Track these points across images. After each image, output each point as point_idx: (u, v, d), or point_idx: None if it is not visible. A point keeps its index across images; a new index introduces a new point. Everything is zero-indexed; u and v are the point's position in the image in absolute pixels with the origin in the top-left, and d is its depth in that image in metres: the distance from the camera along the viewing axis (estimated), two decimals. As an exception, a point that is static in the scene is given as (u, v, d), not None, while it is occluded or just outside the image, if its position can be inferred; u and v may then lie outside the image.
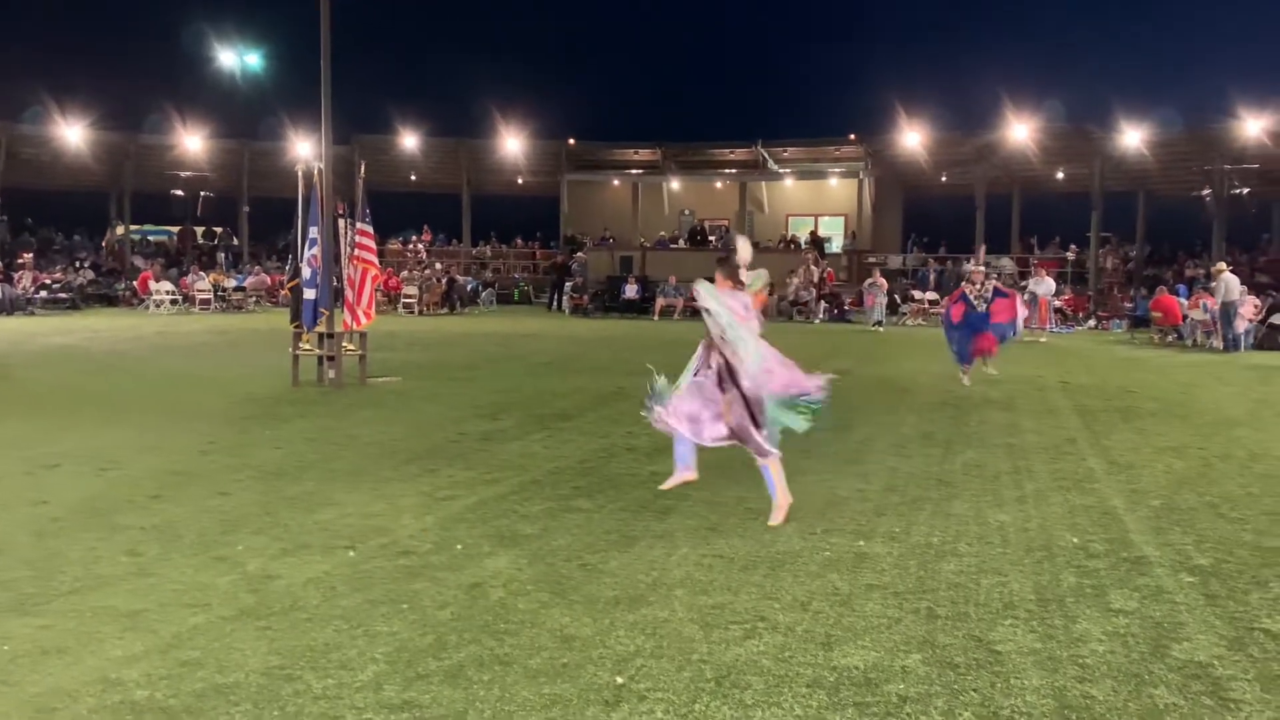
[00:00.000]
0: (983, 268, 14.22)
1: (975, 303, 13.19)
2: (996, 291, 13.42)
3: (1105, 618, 4.57)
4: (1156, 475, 7.69)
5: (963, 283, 14.07)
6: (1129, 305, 25.86)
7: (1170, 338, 21.41)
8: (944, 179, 34.35)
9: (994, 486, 7.24)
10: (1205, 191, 27.32)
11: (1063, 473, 7.73)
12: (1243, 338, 19.88)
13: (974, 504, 6.69)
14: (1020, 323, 13.63)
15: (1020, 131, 29.86)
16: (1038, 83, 33.84)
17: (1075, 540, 5.82)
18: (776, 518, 6.17)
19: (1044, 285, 22.60)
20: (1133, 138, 27.98)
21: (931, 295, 28.72)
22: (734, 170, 36.43)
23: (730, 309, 6.09)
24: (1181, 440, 9.21)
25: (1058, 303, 24.85)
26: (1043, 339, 21.44)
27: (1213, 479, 7.58)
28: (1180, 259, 30.48)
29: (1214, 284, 20.19)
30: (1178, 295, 22.41)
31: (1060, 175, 32.36)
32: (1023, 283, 26.68)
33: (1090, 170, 30.41)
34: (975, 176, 32.26)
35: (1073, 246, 31.86)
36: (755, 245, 30.68)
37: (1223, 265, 21.25)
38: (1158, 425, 10.11)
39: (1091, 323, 26.32)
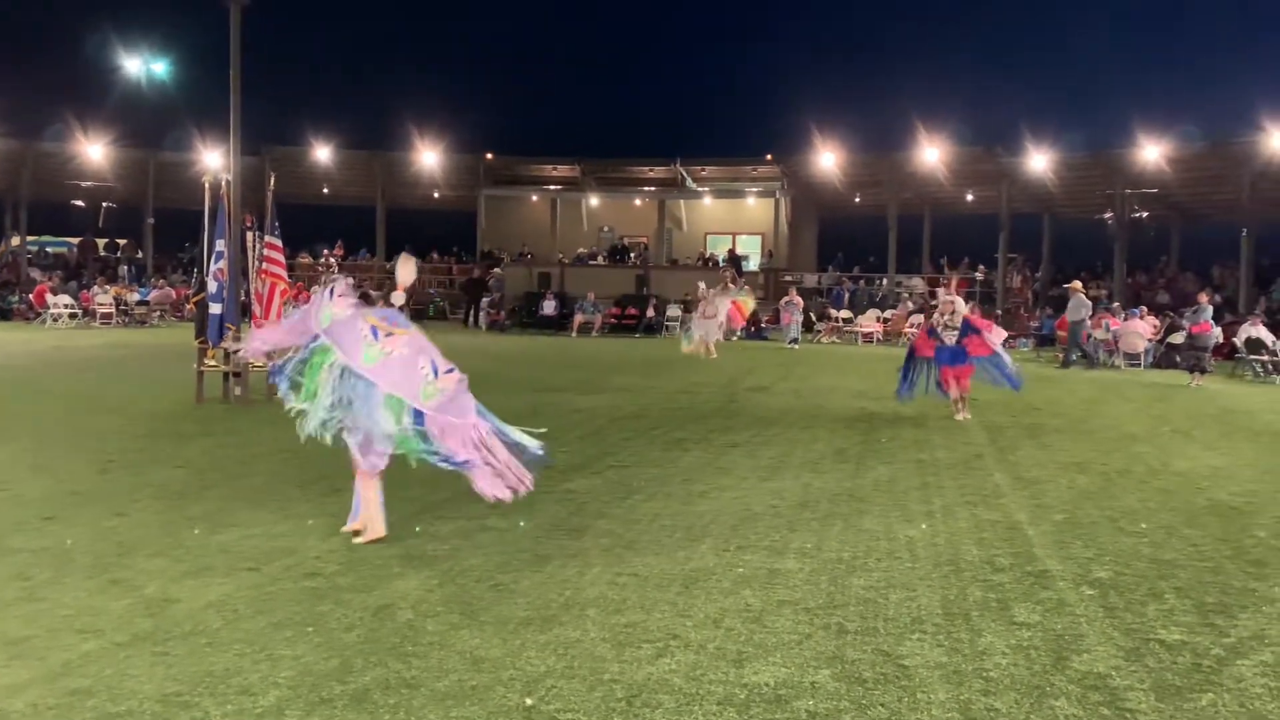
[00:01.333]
0: (954, 297, 12.60)
1: (943, 335, 11.83)
2: (967, 325, 11.87)
3: (1009, 631, 4.66)
4: (1060, 490, 7.90)
5: (934, 313, 12.83)
6: (1035, 324, 26.60)
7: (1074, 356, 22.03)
8: (858, 199, 34.99)
9: (903, 502, 7.35)
10: (1107, 214, 28.30)
11: (970, 488, 7.89)
12: (1142, 357, 20.66)
13: (884, 519, 6.78)
14: (1007, 360, 11.86)
15: (931, 154, 30.59)
16: (948, 107, 34.81)
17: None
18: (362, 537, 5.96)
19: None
20: (1038, 161, 28.87)
21: (846, 314, 29.20)
22: (653, 188, 36.63)
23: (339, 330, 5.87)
24: (1084, 456, 9.48)
25: (967, 321, 25.41)
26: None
27: (1113, 494, 7.80)
28: (1083, 279, 31.47)
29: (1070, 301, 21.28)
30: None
31: (969, 197, 33.22)
32: (933, 302, 27.29)
33: (998, 192, 31.27)
34: (888, 197, 32.92)
35: (981, 267, 32.71)
36: (673, 263, 30.28)
37: (1077, 284, 22.50)
38: (1062, 441, 10.39)
39: (1075, 350, 26.93)
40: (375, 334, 5.90)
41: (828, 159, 32.47)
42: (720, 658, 4.28)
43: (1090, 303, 21.44)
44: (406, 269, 6.49)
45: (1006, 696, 3.94)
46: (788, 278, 31.70)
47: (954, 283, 14.83)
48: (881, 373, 17.71)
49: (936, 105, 33.93)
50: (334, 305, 5.97)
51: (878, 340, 27.16)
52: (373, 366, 5.78)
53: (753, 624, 4.69)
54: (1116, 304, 24.01)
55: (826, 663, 4.24)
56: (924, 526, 6.60)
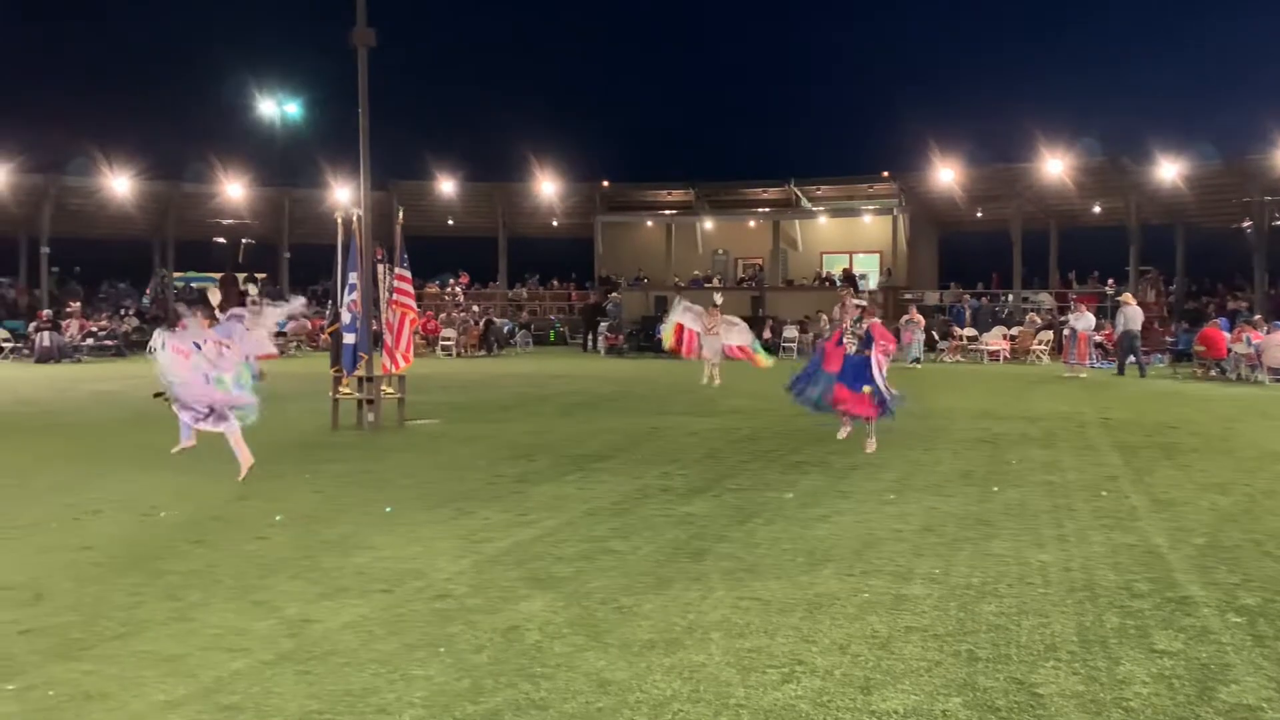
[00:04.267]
0: (862, 300, 11.22)
1: (848, 341, 10.56)
2: (870, 336, 10.55)
3: (1150, 659, 4.50)
4: (1200, 512, 7.57)
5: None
6: (1170, 339, 25.54)
7: (1213, 372, 21.09)
8: (979, 214, 34.23)
9: (1034, 525, 7.15)
10: (1246, 223, 27.02)
11: (1104, 511, 7.62)
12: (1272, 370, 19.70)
13: (1014, 544, 6.61)
14: (876, 372, 10.30)
15: (1054, 166, 29.73)
16: (1071, 117, 33.91)
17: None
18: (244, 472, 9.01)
19: (1083, 320, 22.37)
20: (1169, 170, 27.77)
21: (970, 331, 28.55)
22: (767, 209, 36.53)
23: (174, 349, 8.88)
24: (1225, 476, 9.06)
25: (1098, 338, 24.59)
26: (1083, 375, 21.20)
27: (1258, 515, 7.44)
28: (1221, 291, 30.11)
29: (1117, 314, 22.37)
30: (1220, 328, 22.09)
31: (1097, 209, 32.15)
32: (1062, 318, 26.46)
33: (1126, 204, 30.18)
34: (1010, 212, 32.10)
35: (1111, 281, 31.59)
36: (789, 284, 29.38)
37: (1128, 296, 23.17)
38: (1201, 461, 9.95)
39: (1131, 358, 25.97)
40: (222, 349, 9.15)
41: (946, 174, 31.86)
42: (848, 684, 4.24)
43: (1140, 314, 22.30)
44: (214, 295, 10.94)
45: (1148, 728, 3.80)
46: (907, 296, 31.19)
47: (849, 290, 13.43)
48: (1009, 392, 17.31)
49: (1058, 115, 33.08)
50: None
51: (1004, 359, 26.46)
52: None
53: (880, 650, 4.63)
54: (1258, 316, 22.88)
55: (957, 690, 4.16)
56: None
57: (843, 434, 10.97)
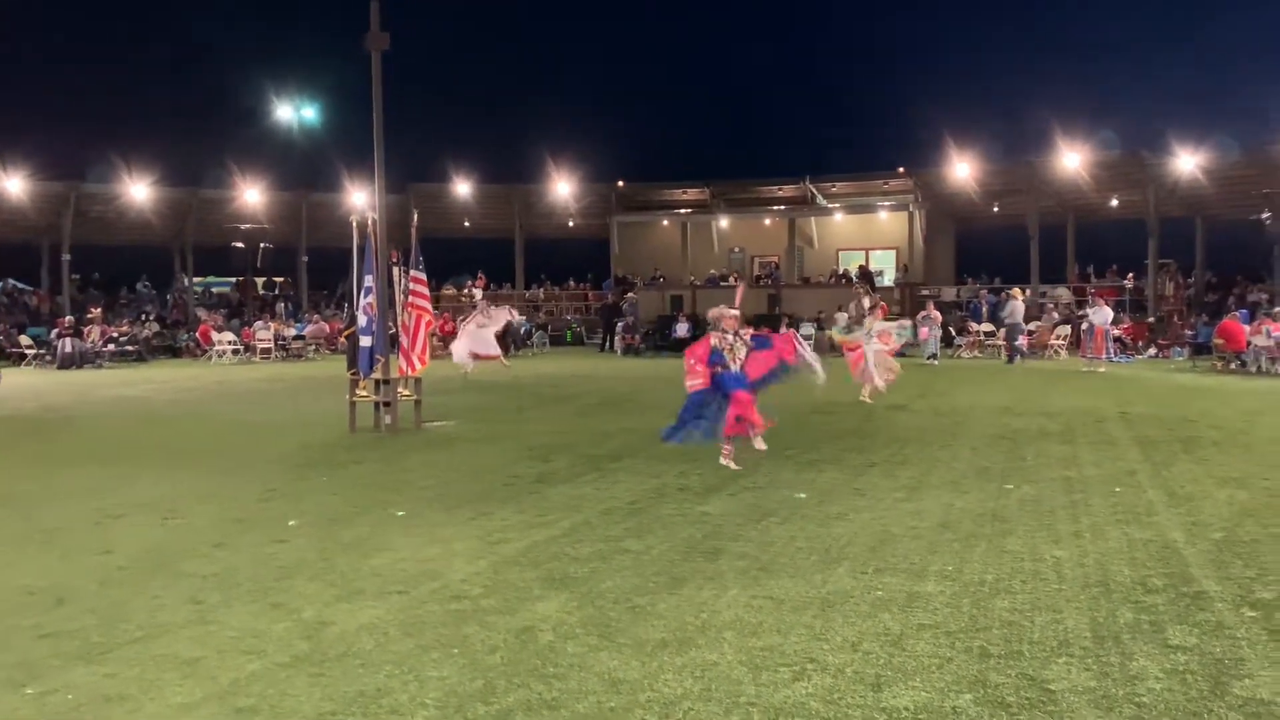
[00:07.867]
0: (736, 312, 9.76)
1: (726, 358, 9.45)
2: (758, 340, 9.73)
3: (1163, 655, 4.49)
4: (1218, 507, 7.53)
5: (709, 332, 9.76)
6: (1190, 333, 25.37)
7: (1233, 365, 20.93)
8: (996, 209, 34.08)
9: (1050, 521, 7.13)
10: (1265, 215, 26.79)
11: (1121, 506, 7.59)
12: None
13: (1029, 540, 6.60)
14: (795, 360, 9.54)
15: (1071, 160, 29.56)
16: (1088, 111, 33.65)
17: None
18: None
19: (1101, 314, 22.26)
20: (1187, 163, 27.55)
21: (987, 327, 28.44)
22: (783, 206, 36.49)
23: None
24: (1245, 471, 9.00)
25: (1116, 331, 24.45)
26: (1101, 369, 21.09)
27: (1277, 510, 7.39)
28: (1241, 283, 29.86)
29: (1005, 308, 24.95)
30: (1239, 320, 21.92)
31: (1114, 202, 31.94)
32: (1080, 312, 26.34)
33: (1145, 197, 29.97)
34: (1028, 206, 31.93)
35: (1130, 274, 31.37)
36: (805, 281, 29.33)
37: (1016, 291, 25.49)
38: (1220, 455, 9.89)
39: (1151, 351, 25.83)
40: None
41: (962, 169, 31.76)
42: (858, 681, 4.25)
43: (1024, 307, 24.81)
44: None
45: (1160, 724, 3.80)
46: (924, 291, 31.07)
47: (741, 292, 10.23)
48: (1027, 388, 17.23)
49: (1075, 109, 32.89)
50: None
51: (1022, 354, 26.32)
52: None
53: (892, 647, 4.64)
54: (1278, 309, 22.70)
55: (968, 687, 4.17)
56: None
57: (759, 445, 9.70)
